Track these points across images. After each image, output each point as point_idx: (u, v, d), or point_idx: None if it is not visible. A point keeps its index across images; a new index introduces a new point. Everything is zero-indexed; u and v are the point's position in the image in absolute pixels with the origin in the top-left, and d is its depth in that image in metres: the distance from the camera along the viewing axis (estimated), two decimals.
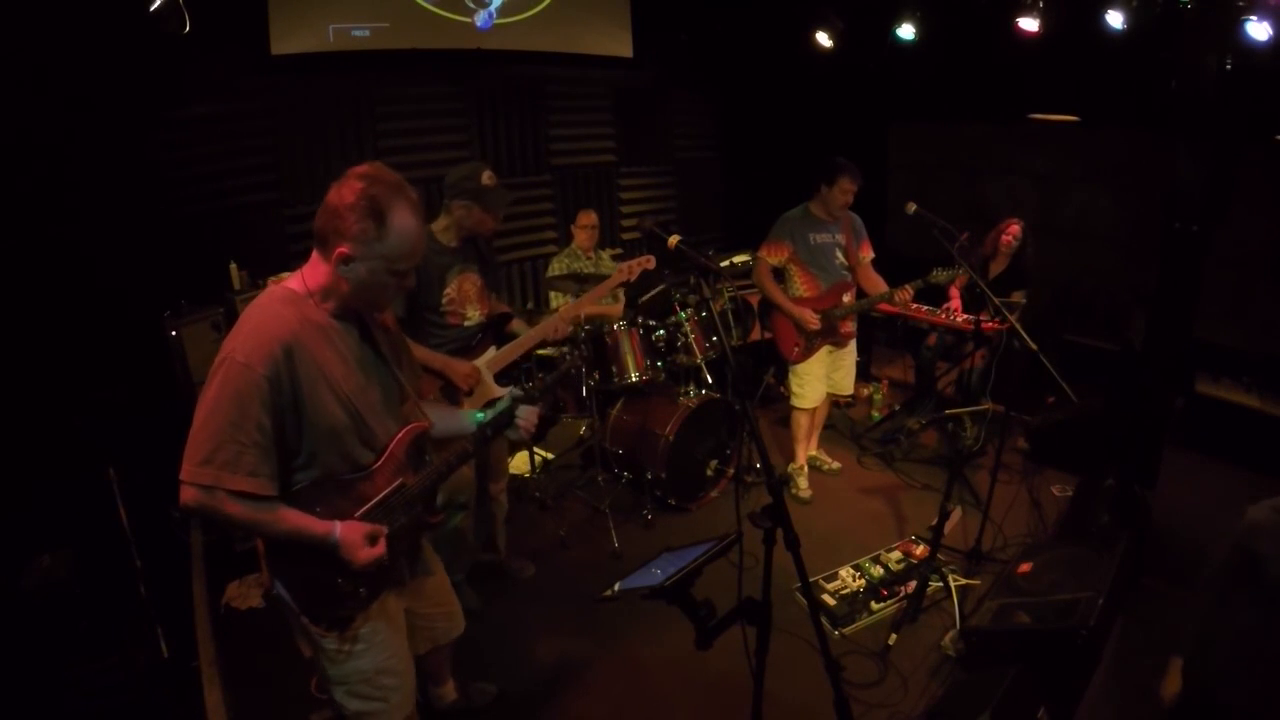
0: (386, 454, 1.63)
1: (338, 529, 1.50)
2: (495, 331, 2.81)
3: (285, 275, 1.56)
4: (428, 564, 1.93)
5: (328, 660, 1.69)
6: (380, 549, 1.55)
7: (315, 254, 1.53)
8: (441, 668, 2.31)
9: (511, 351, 2.78)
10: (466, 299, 2.67)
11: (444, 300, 2.59)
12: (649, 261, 3.03)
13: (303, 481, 1.53)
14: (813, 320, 3.53)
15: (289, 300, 1.50)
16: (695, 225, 6.23)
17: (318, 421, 1.50)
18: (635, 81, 5.61)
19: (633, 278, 2.97)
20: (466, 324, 2.68)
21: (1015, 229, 4.26)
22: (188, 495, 1.40)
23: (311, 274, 1.53)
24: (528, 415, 1.81)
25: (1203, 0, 3.46)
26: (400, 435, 1.66)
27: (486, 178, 2.57)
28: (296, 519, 1.48)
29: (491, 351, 2.76)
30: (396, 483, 1.65)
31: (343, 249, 1.45)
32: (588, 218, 4.37)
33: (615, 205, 5.75)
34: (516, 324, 2.89)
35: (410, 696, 1.86)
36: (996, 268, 4.33)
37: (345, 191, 1.44)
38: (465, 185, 2.56)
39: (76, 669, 2.53)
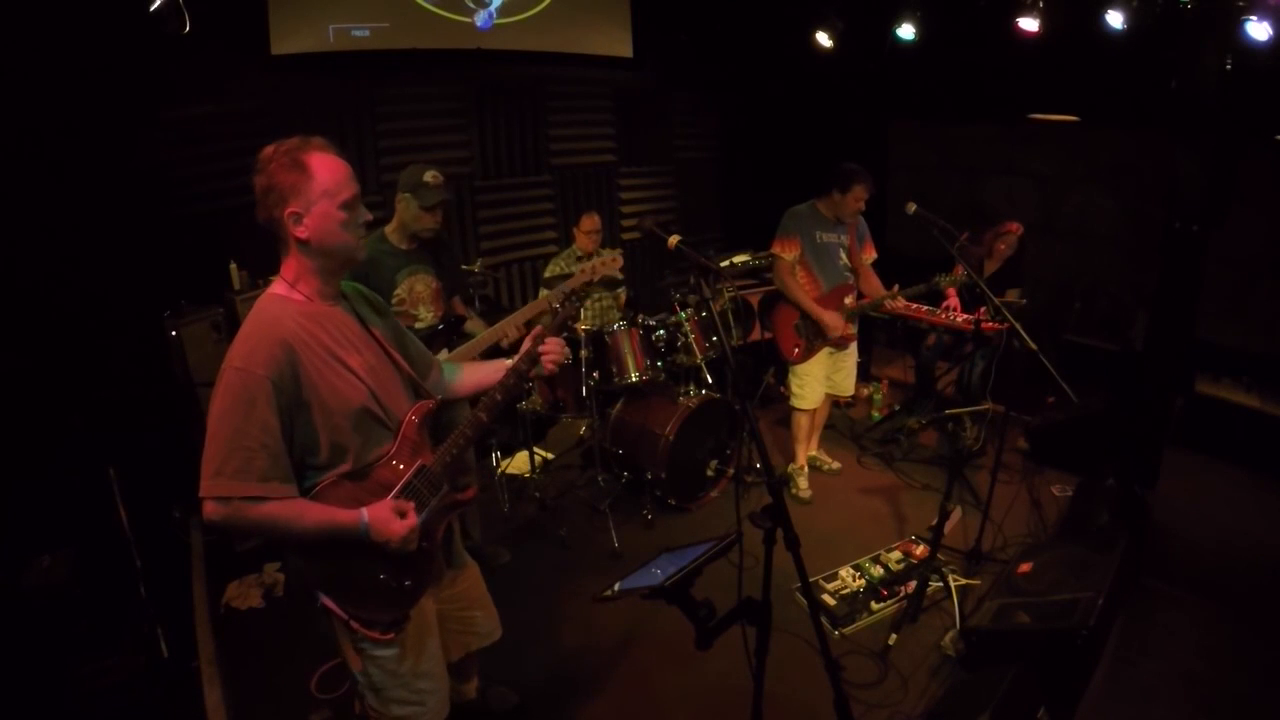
0: (400, 437, 1.63)
1: (365, 512, 1.51)
2: (449, 333, 2.82)
3: (273, 278, 1.59)
4: (462, 555, 1.93)
5: (366, 670, 1.69)
6: (412, 520, 1.55)
7: (281, 255, 1.57)
8: (469, 664, 2.29)
9: (465, 354, 2.76)
10: (418, 300, 2.70)
11: (394, 302, 2.61)
12: (614, 261, 2.94)
13: (325, 479, 1.53)
14: (836, 325, 3.51)
15: (278, 301, 1.53)
16: (695, 225, 6.24)
17: (337, 405, 1.51)
18: (635, 81, 5.61)
19: (595, 278, 2.88)
20: (418, 325, 2.68)
21: (1014, 235, 4.25)
22: (209, 511, 1.41)
23: (285, 270, 1.57)
24: (551, 345, 1.79)
25: (1203, 0, 3.46)
26: (408, 416, 1.65)
27: (429, 176, 2.63)
28: (322, 513, 1.49)
29: (444, 354, 2.74)
30: (416, 464, 1.63)
31: (289, 210, 1.48)
32: (590, 222, 4.24)
33: (615, 205, 5.76)
34: (472, 324, 2.90)
35: (445, 701, 1.85)
36: (991, 267, 4.32)
37: (260, 176, 1.49)
38: (407, 180, 2.64)
39: (76, 669, 2.53)
